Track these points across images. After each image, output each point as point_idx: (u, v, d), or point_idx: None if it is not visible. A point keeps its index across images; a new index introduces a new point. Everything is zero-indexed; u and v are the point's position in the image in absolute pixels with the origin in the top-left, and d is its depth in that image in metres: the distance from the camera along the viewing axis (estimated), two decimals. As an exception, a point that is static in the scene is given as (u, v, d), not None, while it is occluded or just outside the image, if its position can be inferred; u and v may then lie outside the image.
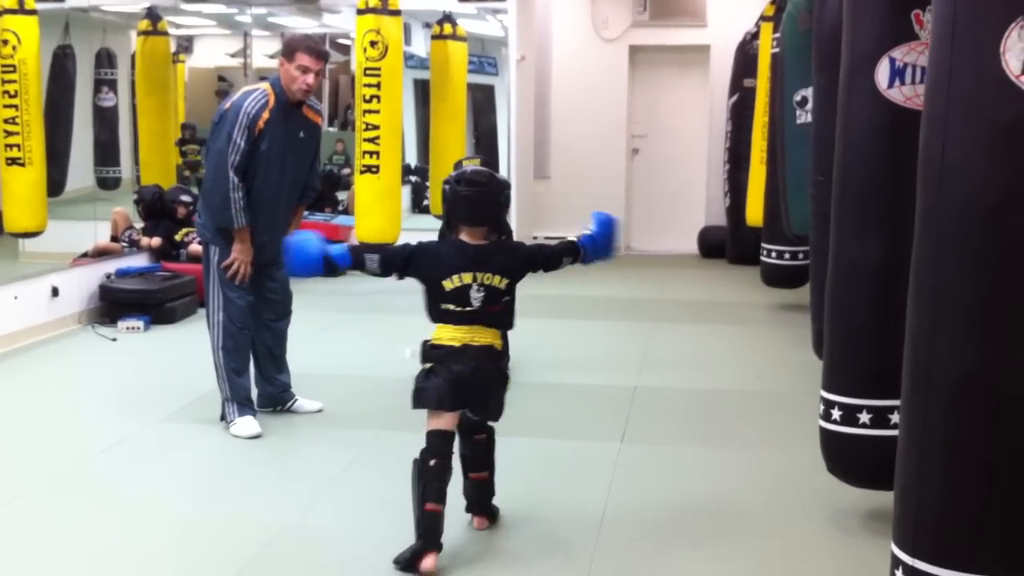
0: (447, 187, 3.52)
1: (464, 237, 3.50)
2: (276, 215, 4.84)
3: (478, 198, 3.47)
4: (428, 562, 3.36)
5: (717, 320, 7.55)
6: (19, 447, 4.65)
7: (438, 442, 3.43)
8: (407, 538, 3.44)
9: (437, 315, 3.50)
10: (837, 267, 3.54)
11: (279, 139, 4.69)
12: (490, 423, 3.67)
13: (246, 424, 4.77)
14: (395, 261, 3.52)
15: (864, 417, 3.45)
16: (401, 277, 3.54)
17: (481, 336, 3.47)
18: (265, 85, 4.73)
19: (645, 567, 3.50)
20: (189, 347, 6.38)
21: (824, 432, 3.60)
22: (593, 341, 6.88)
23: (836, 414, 3.51)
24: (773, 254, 7.65)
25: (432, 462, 3.40)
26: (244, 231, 4.71)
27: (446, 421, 3.45)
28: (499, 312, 3.52)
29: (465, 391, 3.44)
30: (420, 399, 3.45)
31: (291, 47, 4.70)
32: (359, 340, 6.93)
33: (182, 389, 5.41)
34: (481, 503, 3.74)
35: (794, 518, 3.89)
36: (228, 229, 4.70)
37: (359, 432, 4.82)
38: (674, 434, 4.91)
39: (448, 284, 3.44)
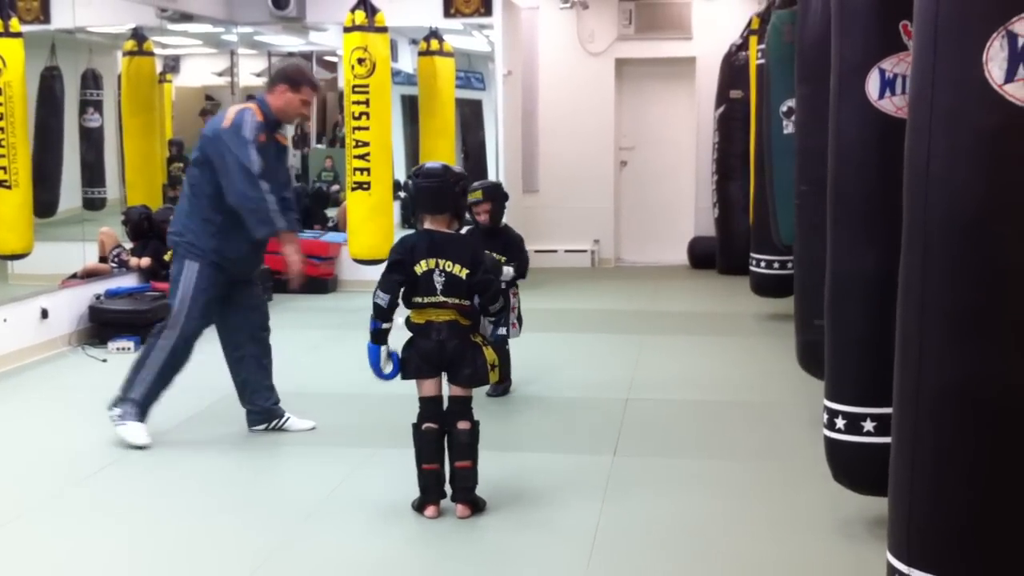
0: (409, 181, 3.96)
1: (428, 226, 3.92)
2: None
3: (437, 188, 3.90)
4: (430, 511, 3.92)
5: (708, 331, 7.56)
6: (10, 470, 4.62)
7: (426, 406, 3.94)
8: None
9: (408, 303, 3.91)
10: (835, 277, 3.55)
11: (263, 157, 4.77)
12: (472, 420, 3.95)
13: (140, 431, 4.82)
14: (392, 278, 3.87)
15: (868, 425, 3.46)
16: (403, 285, 3.89)
17: (445, 314, 3.86)
18: (252, 105, 4.81)
19: (640, 580, 3.49)
20: (180, 367, 6.37)
21: (829, 441, 3.61)
22: (584, 353, 6.88)
23: (840, 423, 3.52)
24: (762, 263, 7.68)
25: (424, 426, 3.93)
26: (290, 232, 4.86)
27: (428, 388, 3.94)
28: (463, 309, 3.85)
29: (437, 361, 3.88)
30: (405, 371, 3.93)
31: (297, 80, 4.84)
32: (350, 358, 6.89)
33: (172, 409, 5.38)
34: (464, 492, 3.94)
35: (791, 528, 3.88)
36: (219, 254, 4.80)
37: (352, 450, 4.80)
38: (666, 446, 4.91)
39: (418, 269, 3.85)
